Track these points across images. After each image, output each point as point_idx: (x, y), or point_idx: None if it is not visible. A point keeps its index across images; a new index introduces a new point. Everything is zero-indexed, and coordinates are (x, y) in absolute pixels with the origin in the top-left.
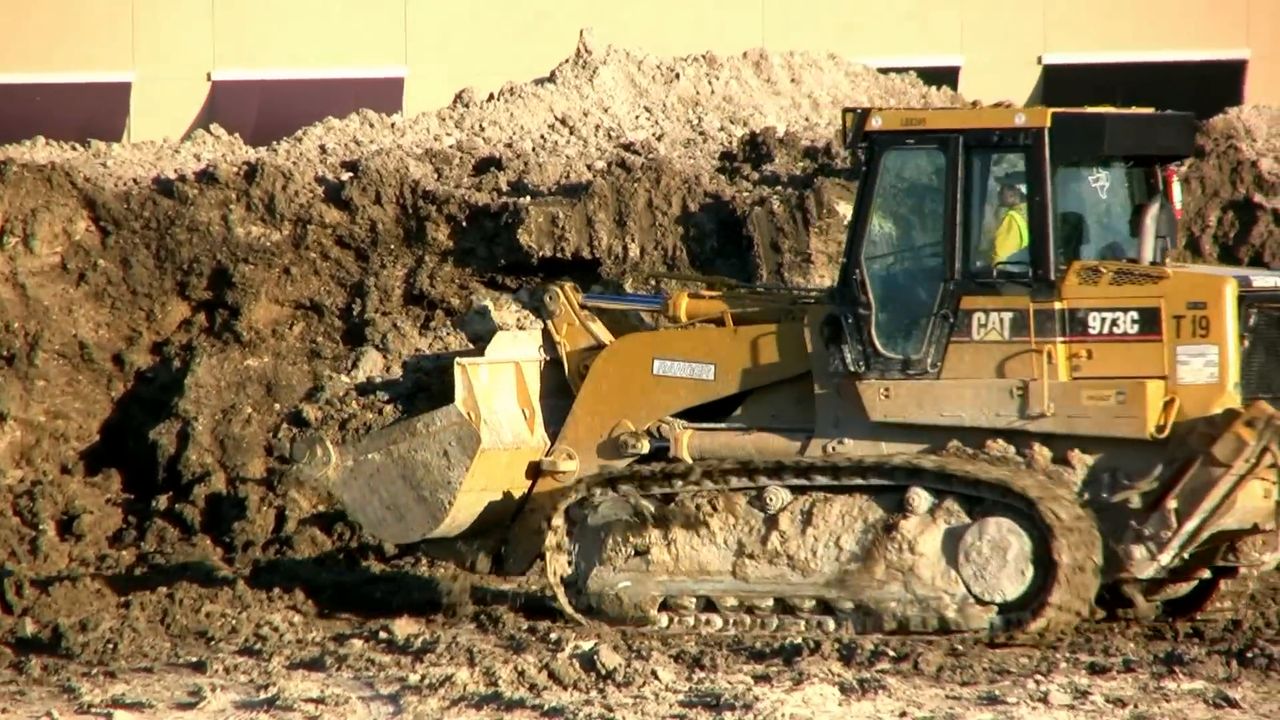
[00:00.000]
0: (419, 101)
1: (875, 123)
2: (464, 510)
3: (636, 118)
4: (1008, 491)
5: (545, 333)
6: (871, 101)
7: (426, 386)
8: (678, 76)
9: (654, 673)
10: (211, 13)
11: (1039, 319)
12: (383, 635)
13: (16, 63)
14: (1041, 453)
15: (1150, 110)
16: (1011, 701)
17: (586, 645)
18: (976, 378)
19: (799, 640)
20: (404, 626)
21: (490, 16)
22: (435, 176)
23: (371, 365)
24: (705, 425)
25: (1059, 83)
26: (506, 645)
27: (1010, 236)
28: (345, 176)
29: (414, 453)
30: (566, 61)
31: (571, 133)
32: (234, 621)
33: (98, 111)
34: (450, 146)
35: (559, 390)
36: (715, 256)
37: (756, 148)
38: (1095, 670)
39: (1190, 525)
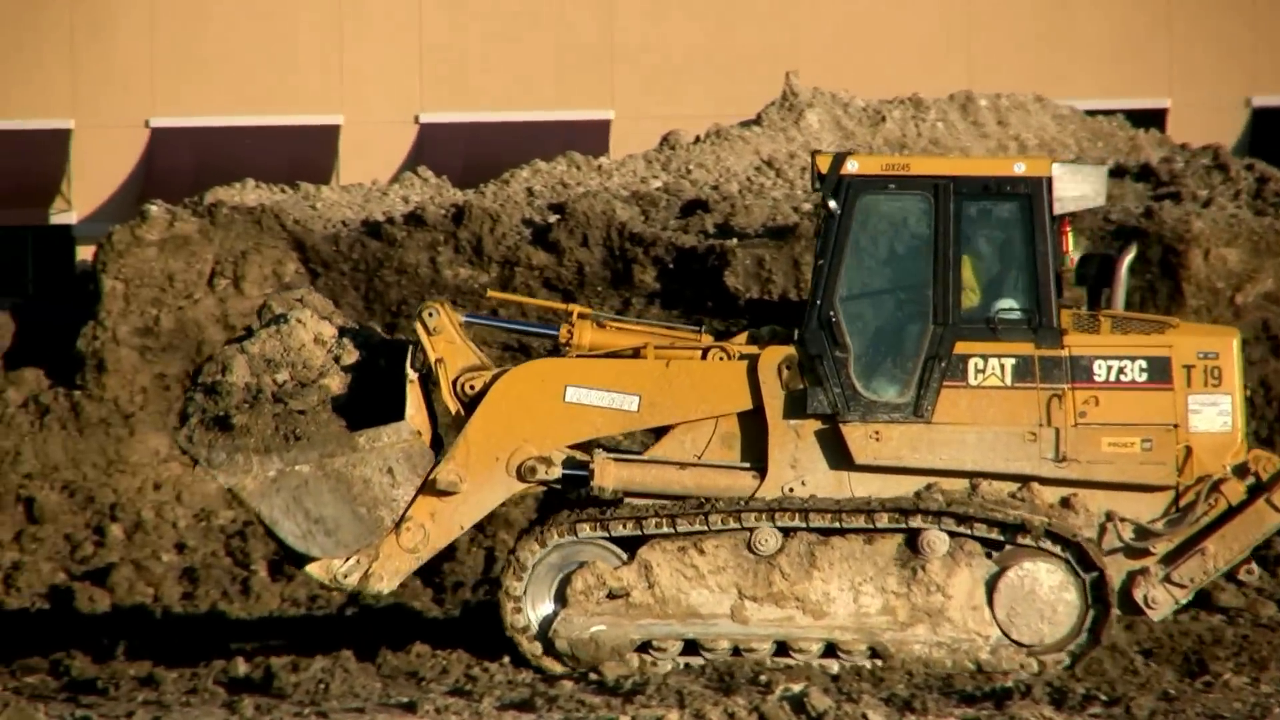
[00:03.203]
0: (626, 143)
1: (851, 167)
2: None
3: None
4: (1057, 538)
5: (418, 349)
6: (1079, 144)
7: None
8: (884, 119)
9: (864, 715)
10: (419, 56)
11: (1044, 365)
12: (593, 676)
13: (228, 106)
14: (1042, 496)
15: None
16: None
17: (796, 688)
18: (977, 423)
19: (1009, 683)
20: (613, 667)
21: (697, 60)
22: (642, 218)
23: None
24: (629, 456)
25: (1268, 125)
26: (716, 686)
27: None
28: (552, 219)
29: (352, 468)
30: (773, 104)
31: (778, 175)
32: (444, 662)
33: (307, 154)
34: (657, 189)
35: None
36: None
37: None
38: None
39: (1224, 568)
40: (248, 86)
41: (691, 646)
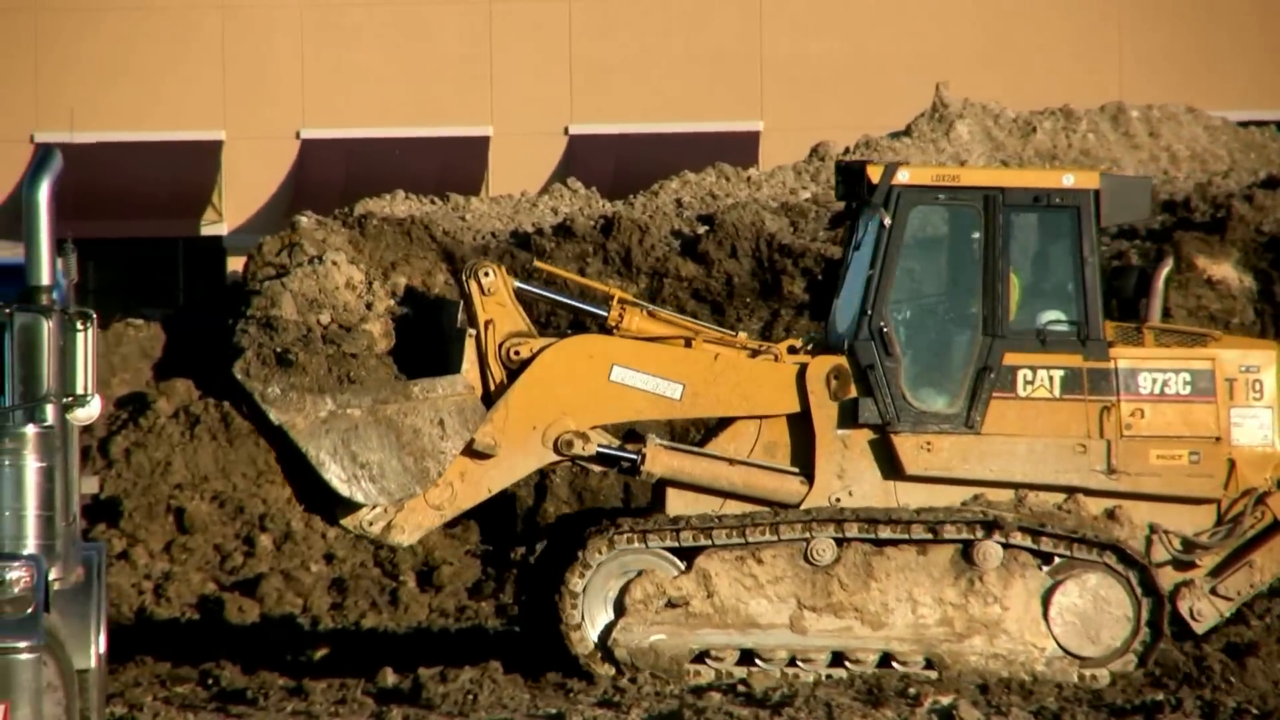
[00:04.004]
0: (775, 155)
1: (902, 177)
2: None
3: None
4: (1115, 551)
5: (468, 305)
6: (1231, 156)
7: None
8: (1034, 130)
9: None
10: (569, 67)
11: (1093, 378)
12: (740, 689)
13: (377, 117)
14: (1088, 508)
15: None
16: None
17: (945, 700)
18: (1026, 434)
19: (1160, 697)
20: (761, 679)
21: (846, 70)
22: (791, 230)
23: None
24: (681, 446)
25: None
26: (864, 698)
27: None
28: (701, 230)
29: (403, 416)
30: (922, 115)
31: None
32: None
33: (456, 165)
34: (806, 200)
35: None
36: None
37: None
38: None
39: (1271, 581)
40: (397, 98)
41: (746, 656)
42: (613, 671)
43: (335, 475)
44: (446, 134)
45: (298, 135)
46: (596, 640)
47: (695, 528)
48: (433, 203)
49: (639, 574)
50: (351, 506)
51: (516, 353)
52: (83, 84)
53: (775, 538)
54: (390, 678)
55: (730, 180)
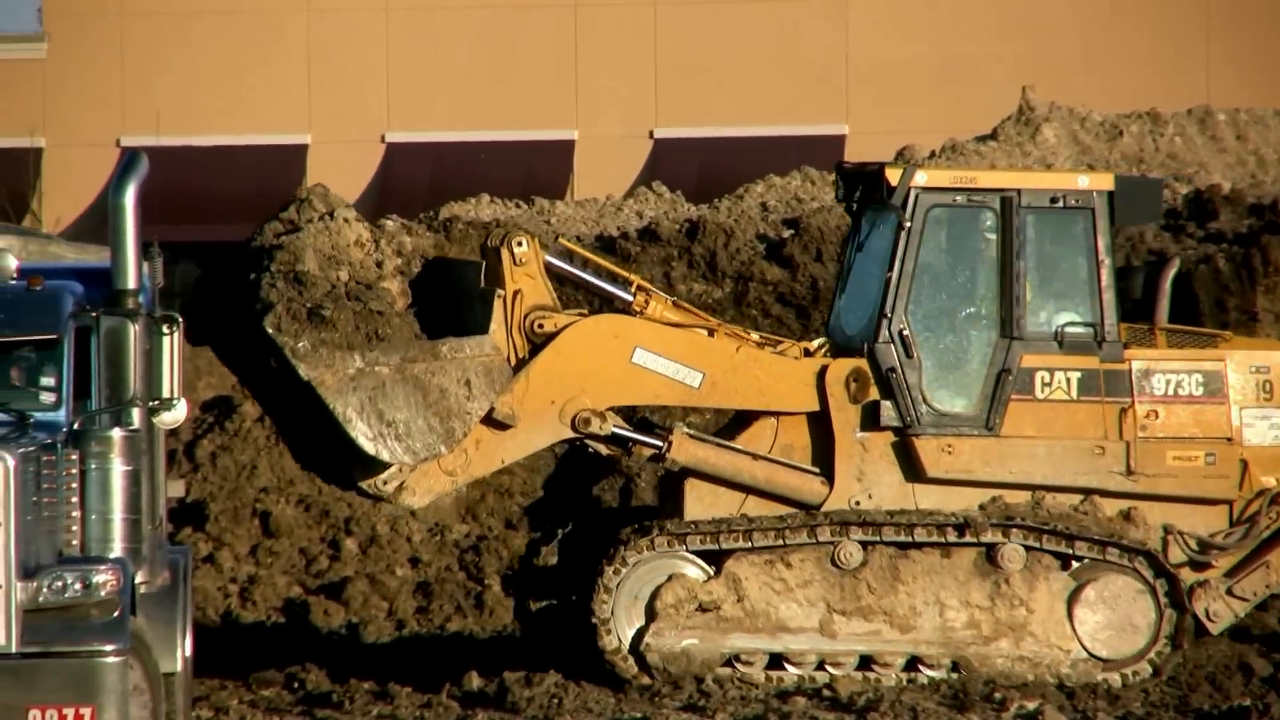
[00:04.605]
0: (860, 158)
1: (920, 180)
2: None
3: None
4: (1136, 554)
5: (493, 273)
6: None
7: None
8: (1121, 133)
9: None
10: (653, 71)
11: (1109, 380)
12: (826, 693)
13: (462, 121)
14: (1104, 510)
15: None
16: None
17: (1031, 705)
18: (1045, 436)
19: (1246, 702)
20: (846, 684)
21: (932, 74)
22: None
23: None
24: (707, 437)
25: None
26: (950, 703)
27: None
28: (786, 234)
29: (430, 375)
30: (1009, 119)
31: None
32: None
33: (541, 169)
34: None
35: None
36: None
37: (1201, 205)
38: None
39: None
40: (483, 101)
41: (774, 660)
42: (645, 677)
43: (362, 433)
44: (532, 138)
45: (383, 139)
46: (629, 646)
47: (674, 532)
48: (518, 206)
49: (669, 579)
50: (371, 466)
51: (540, 326)
52: (169, 88)
53: (749, 545)
54: (475, 681)
55: (816, 184)
